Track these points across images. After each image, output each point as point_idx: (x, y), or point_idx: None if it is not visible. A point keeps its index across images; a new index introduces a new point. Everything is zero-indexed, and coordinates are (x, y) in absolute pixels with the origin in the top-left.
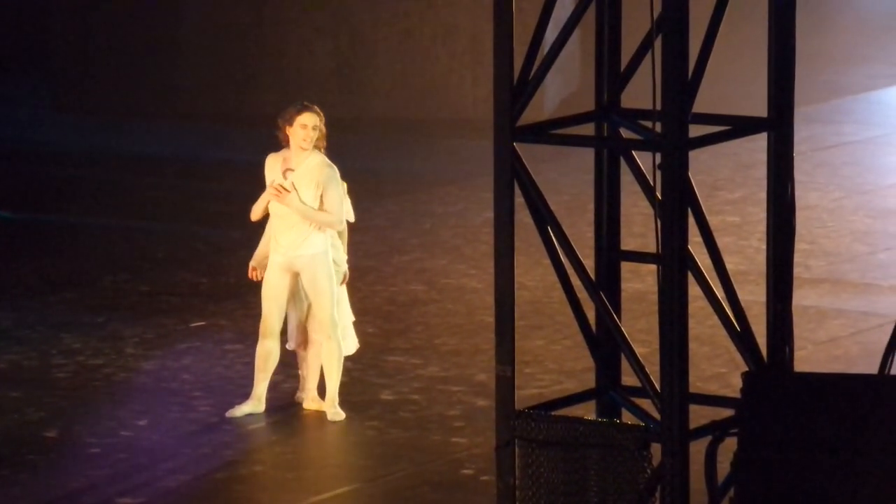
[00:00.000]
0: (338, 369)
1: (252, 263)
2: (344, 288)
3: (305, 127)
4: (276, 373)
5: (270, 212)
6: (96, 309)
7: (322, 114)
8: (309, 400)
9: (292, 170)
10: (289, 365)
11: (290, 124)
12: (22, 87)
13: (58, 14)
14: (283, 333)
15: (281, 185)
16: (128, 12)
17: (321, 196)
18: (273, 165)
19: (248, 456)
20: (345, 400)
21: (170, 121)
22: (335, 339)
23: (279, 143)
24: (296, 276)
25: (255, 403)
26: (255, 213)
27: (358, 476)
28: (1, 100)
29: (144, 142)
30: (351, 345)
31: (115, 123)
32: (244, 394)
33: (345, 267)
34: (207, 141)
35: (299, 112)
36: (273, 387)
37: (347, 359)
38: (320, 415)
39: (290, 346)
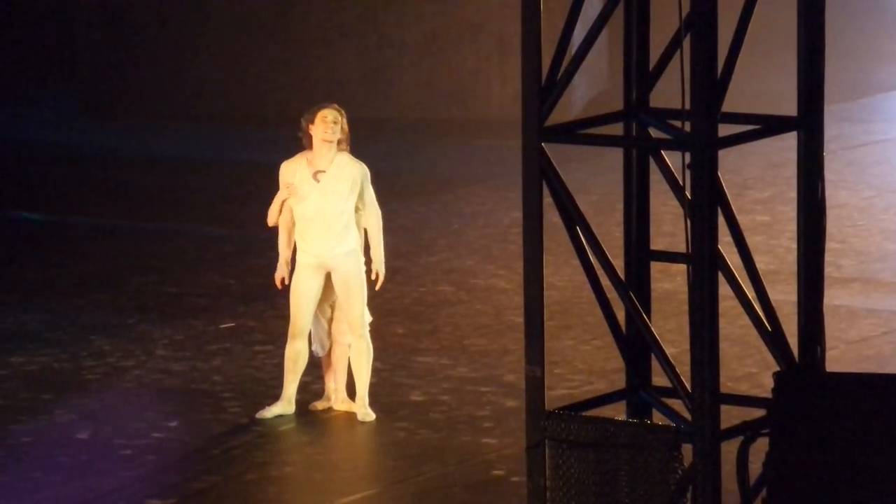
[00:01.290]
0: (367, 369)
1: (283, 273)
2: None
3: (325, 119)
4: (305, 374)
5: (296, 216)
6: (126, 311)
7: (343, 112)
8: (339, 401)
9: (323, 171)
10: (319, 366)
11: (312, 122)
12: (49, 89)
13: (84, 17)
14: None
15: (378, 277)
16: (153, 15)
17: (359, 193)
18: (293, 171)
19: (279, 457)
20: (374, 401)
21: (196, 122)
22: (365, 338)
23: (302, 146)
24: (326, 277)
25: (285, 405)
26: (272, 218)
27: (388, 477)
28: (28, 102)
29: (171, 143)
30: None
31: (142, 125)
32: (274, 395)
33: None
34: (235, 142)
35: (321, 108)
36: (303, 388)
37: (376, 359)
38: (350, 416)
39: (318, 352)
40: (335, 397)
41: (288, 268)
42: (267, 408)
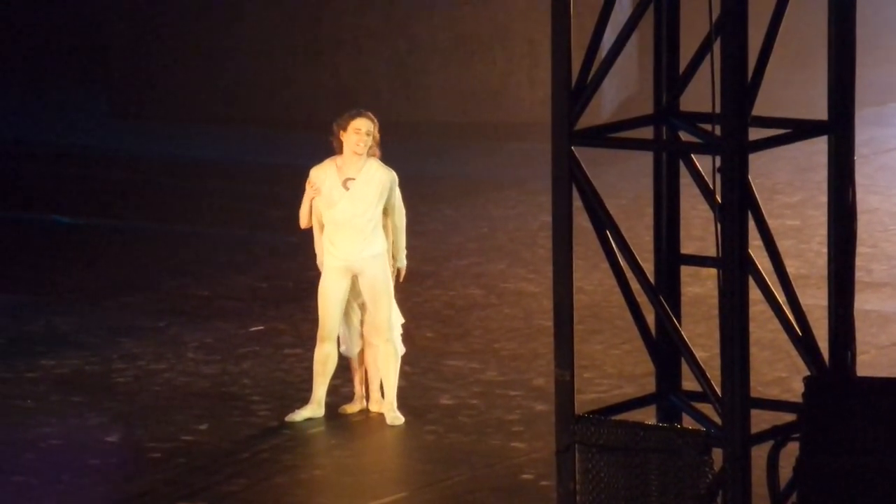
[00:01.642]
0: (395, 372)
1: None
2: None
3: (359, 131)
4: (335, 377)
5: (325, 221)
6: (156, 314)
7: (376, 120)
8: (374, 402)
9: (353, 178)
10: (348, 369)
11: (345, 129)
12: (80, 92)
13: (115, 20)
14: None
15: (399, 274)
16: (184, 19)
17: (388, 199)
18: (323, 178)
19: (308, 460)
20: (403, 404)
21: (227, 125)
22: (393, 342)
23: (333, 150)
24: (353, 280)
25: (315, 408)
26: (304, 220)
27: (417, 481)
28: (59, 106)
29: (201, 146)
30: (399, 348)
31: (172, 128)
32: (303, 398)
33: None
34: (265, 145)
35: (353, 117)
36: (332, 391)
37: (405, 362)
38: (379, 419)
39: (346, 353)
40: (370, 398)
41: None
42: (296, 411)
